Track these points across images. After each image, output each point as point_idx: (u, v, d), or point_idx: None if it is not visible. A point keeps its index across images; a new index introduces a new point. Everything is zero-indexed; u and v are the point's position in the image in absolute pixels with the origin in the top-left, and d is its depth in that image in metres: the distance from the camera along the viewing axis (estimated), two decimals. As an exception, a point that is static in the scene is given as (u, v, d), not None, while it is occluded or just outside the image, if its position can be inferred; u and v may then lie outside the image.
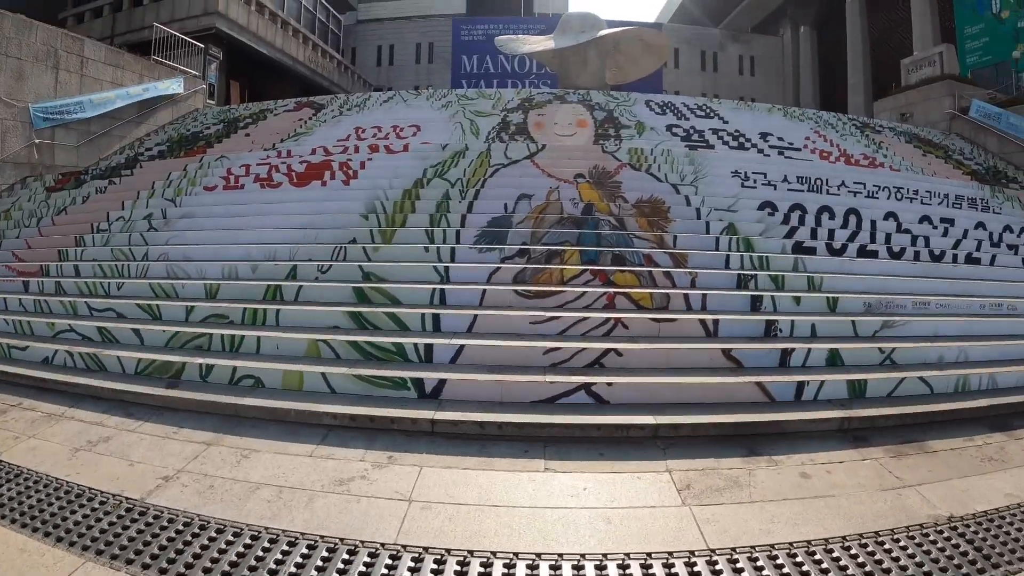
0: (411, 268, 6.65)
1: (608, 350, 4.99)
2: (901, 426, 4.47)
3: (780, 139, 13.13)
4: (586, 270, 6.36)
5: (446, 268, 6.53)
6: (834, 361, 5.35)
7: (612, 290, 5.96)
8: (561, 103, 14.88)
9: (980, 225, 9.90)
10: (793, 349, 5.33)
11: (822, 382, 4.86)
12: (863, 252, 7.98)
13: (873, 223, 8.99)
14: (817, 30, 37.62)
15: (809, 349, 5.36)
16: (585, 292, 5.92)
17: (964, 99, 18.79)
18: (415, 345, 5.02)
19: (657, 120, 13.53)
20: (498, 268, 6.49)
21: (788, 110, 17.56)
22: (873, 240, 8.43)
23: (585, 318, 5.45)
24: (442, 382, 4.56)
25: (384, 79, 34.02)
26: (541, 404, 4.50)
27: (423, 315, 5.52)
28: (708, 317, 5.66)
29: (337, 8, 32.20)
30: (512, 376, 4.67)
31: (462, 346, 5.00)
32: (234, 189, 9.68)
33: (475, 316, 5.50)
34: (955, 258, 8.56)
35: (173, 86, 15.62)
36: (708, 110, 15.30)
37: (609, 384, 4.58)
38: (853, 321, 6.06)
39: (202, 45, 18.31)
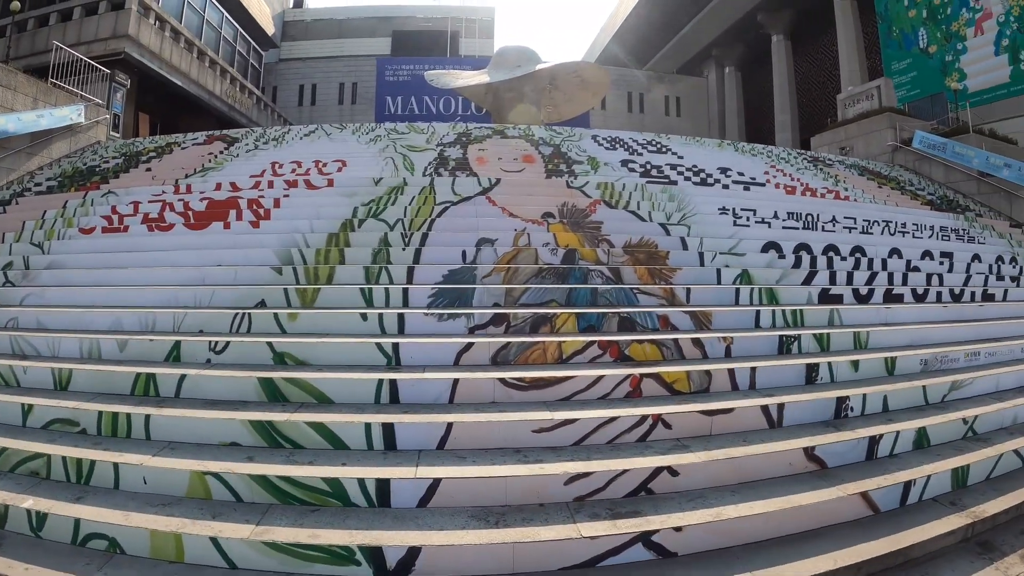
0: (344, 346, 4.60)
1: (658, 469, 3.31)
2: (1017, 517, 3.62)
3: (740, 174, 12.18)
4: (592, 342, 4.63)
5: (395, 345, 4.49)
6: (921, 443, 4.17)
7: (635, 370, 4.27)
8: (501, 137, 13.66)
9: (976, 257, 9.28)
10: (880, 436, 3.99)
11: (928, 477, 3.65)
12: (889, 297, 6.96)
13: (884, 262, 8.03)
14: (742, 70, 38.41)
15: (897, 433, 4.06)
16: (602, 376, 4.16)
17: (905, 131, 18.64)
18: (361, 481, 3.10)
19: (609, 155, 12.45)
20: (470, 344, 4.56)
21: (738, 145, 17.02)
22: (891, 282, 7.42)
23: (611, 419, 3.72)
24: (413, 551, 2.70)
25: (306, 119, 32.01)
26: (577, 573, 2.77)
27: (368, 425, 3.53)
28: (769, 401, 4.09)
29: (259, 43, 30.32)
30: (524, 529, 2.89)
31: (437, 480, 3.14)
32: (116, 232, 7.61)
33: (449, 425, 3.56)
34: (973, 296, 7.84)
35: (72, 114, 13.27)
36: (659, 145, 14.45)
37: (678, 528, 2.92)
38: (924, 387, 4.87)
39: (108, 71, 16.05)
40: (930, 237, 9.85)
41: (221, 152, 11.74)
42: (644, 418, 3.74)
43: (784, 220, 8.80)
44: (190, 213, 7.60)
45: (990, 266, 9.10)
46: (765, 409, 4.04)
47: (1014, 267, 9.42)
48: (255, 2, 30.16)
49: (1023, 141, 17.72)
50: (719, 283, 6.31)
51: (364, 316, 5.01)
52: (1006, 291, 8.21)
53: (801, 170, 14.80)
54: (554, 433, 3.62)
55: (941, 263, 8.60)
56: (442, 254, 6.21)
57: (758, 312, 5.60)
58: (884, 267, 7.78)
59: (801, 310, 5.78)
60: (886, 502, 3.45)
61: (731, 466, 3.49)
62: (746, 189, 11.04)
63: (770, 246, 7.46)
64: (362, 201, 7.59)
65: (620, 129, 16.49)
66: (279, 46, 35.73)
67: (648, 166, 11.78)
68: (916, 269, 8.02)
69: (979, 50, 21.56)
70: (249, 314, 5.09)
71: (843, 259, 7.65)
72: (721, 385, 4.37)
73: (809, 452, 3.69)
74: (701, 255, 6.81)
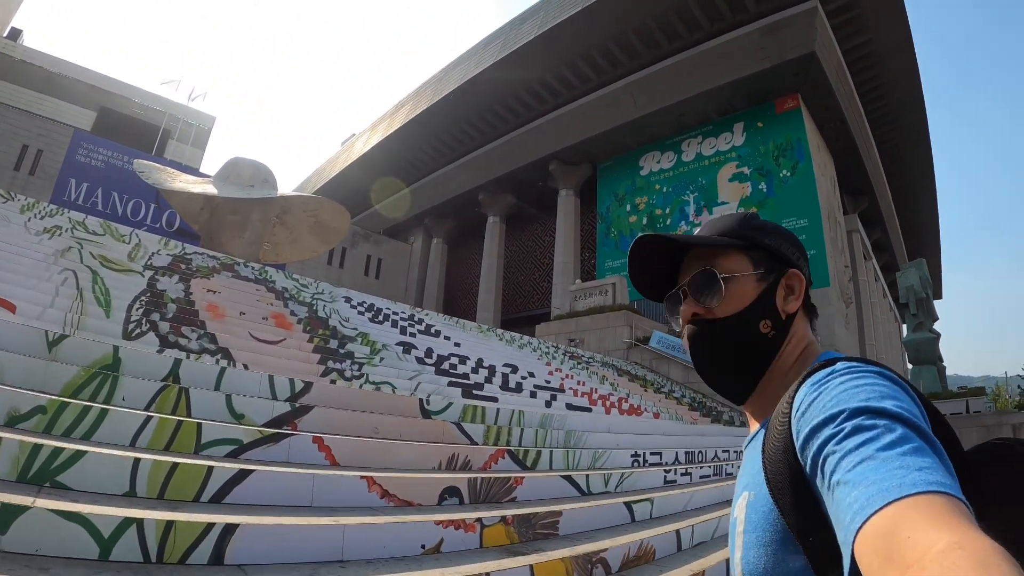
0: None
1: None
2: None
3: (531, 374, 10.38)
4: None
5: None
6: None
7: None
8: (233, 276, 9.70)
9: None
10: None
11: None
12: None
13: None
14: (449, 244, 38.74)
15: None
16: None
17: (640, 329, 19.00)
18: None
19: (380, 332, 9.50)
20: None
21: (496, 331, 15.57)
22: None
23: None
24: None
25: (-32, 177, 22.60)
26: None
27: None
28: None
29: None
30: None
31: None
32: None
33: None
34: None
35: None
36: (424, 324, 12.16)
37: None
38: None
39: None
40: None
41: None
42: None
43: (693, 465, 6.37)
44: None
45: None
46: None
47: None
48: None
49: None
50: None
51: None
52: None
53: (575, 368, 13.55)
54: None
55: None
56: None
57: None
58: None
59: None
60: None
61: None
62: (553, 398, 8.85)
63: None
64: (15, 407, 2.66)
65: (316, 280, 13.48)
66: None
67: (436, 357, 8.91)
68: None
69: (695, 259, 24.59)
70: None
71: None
72: None
73: None
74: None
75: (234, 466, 2.73)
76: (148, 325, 5.50)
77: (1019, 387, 31.88)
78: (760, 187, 24.17)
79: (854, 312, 25.51)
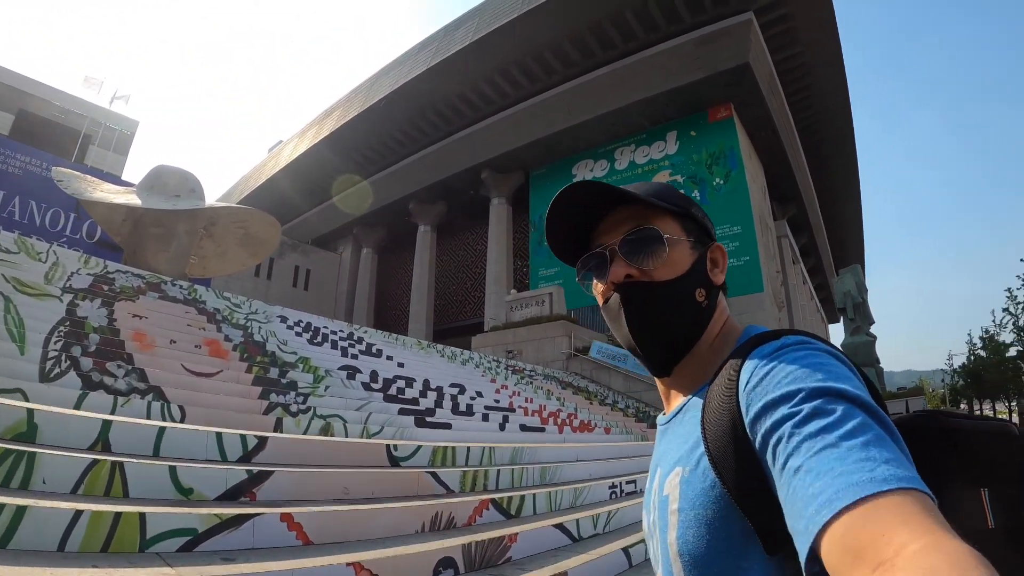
0: None
1: None
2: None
3: (479, 394, 10.13)
4: None
5: None
6: None
7: None
8: (160, 297, 8.89)
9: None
10: None
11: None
12: None
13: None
14: (380, 254, 37.82)
15: None
16: None
17: (580, 339, 18.94)
18: None
19: (322, 356, 8.89)
20: None
21: (436, 347, 15.05)
22: None
23: None
24: None
25: None
26: None
27: None
28: None
29: None
30: None
31: None
32: None
33: None
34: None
35: None
36: (364, 343, 11.68)
37: None
38: None
39: None
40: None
41: None
42: None
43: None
44: None
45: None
46: None
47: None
48: None
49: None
50: None
51: None
52: None
53: (520, 384, 13.34)
54: None
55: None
56: None
57: None
58: None
59: None
60: None
61: None
62: (506, 419, 8.65)
63: None
64: None
65: (244, 295, 12.59)
66: None
67: (383, 382, 8.46)
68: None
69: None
70: None
71: None
72: None
73: None
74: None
75: (194, 572, 2.22)
76: (68, 362, 4.83)
77: (943, 381, 34.02)
78: (693, 195, 24.65)
79: (786, 315, 26.45)
